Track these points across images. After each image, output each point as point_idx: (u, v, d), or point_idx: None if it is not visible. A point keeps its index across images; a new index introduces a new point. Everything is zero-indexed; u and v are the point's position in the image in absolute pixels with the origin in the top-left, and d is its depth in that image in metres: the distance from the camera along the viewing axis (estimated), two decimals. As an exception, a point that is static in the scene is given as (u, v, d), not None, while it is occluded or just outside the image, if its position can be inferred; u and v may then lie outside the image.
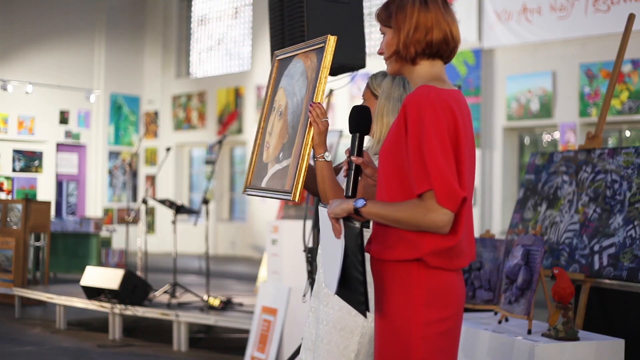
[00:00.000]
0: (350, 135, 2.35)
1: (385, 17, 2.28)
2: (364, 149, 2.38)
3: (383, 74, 2.88)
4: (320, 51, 2.59)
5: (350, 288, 2.21)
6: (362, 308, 2.18)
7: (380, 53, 2.33)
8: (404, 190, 2.15)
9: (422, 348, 2.16)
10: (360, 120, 2.33)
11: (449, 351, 2.23)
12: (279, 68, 2.90)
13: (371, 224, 2.36)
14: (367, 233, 2.34)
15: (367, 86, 2.88)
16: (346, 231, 2.20)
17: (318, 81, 2.55)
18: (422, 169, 2.07)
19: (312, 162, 2.66)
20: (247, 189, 2.86)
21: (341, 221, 2.21)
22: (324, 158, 2.57)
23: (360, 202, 2.16)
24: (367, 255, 2.27)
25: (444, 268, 2.17)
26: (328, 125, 2.55)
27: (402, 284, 2.17)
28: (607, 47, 10.97)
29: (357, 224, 2.16)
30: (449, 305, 2.20)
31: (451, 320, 2.21)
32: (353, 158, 2.30)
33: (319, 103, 2.52)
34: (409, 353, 2.16)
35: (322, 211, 2.31)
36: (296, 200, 2.55)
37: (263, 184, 2.74)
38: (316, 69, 2.59)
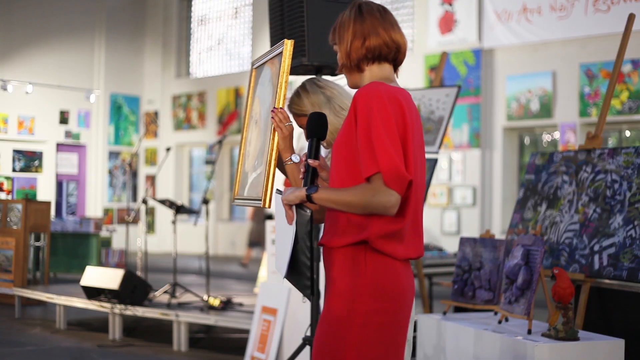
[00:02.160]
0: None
1: (332, 37, 2.47)
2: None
3: (296, 94, 3.03)
4: (280, 57, 2.61)
5: (298, 272, 2.32)
6: (308, 292, 2.28)
7: (340, 72, 2.49)
8: (356, 181, 2.24)
9: (358, 337, 2.21)
10: (316, 125, 2.40)
11: (390, 343, 2.25)
12: (256, 76, 2.93)
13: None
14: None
15: (294, 113, 3.00)
16: (297, 218, 2.30)
17: (279, 86, 2.57)
18: (370, 153, 2.17)
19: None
20: (235, 200, 2.90)
21: (294, 208, 2.31)
22: (291, 161, 2.63)
23: (312, 189, 2.26)
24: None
25: (390, 254, 2.23)
26: (292, 129, 2.61)
27: (348, 271, 2.25)
28: (607, 47, 10.97)
29: (308, 211, 2.26)
30: (394, 296, 2.24)
31: (395, 312, 2.25)
32: (310, 161, 2.37)
33: (281, 108, 2.57)
34: (346, 339, 2.21)
35: (277, 197, 2.42)
36: (267, 206, 2.62)
37: (245, 193, 2.77)
38: (277, 74, 2.62)
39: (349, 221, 2.25)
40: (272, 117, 2.55)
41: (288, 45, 2.59)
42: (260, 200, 2.61)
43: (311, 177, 2.36)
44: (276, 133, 2.55)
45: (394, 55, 2.41)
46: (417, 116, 2.36)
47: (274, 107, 2.56)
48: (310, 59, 4.41)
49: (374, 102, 2.21)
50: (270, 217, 14.92)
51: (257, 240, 14.57)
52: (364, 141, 2.19)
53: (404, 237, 2.25)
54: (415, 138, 2.27)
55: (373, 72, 2.40)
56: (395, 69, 2.46)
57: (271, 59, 2.75)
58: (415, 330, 5.57)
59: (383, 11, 2.41)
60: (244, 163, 2.90)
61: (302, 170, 2.39)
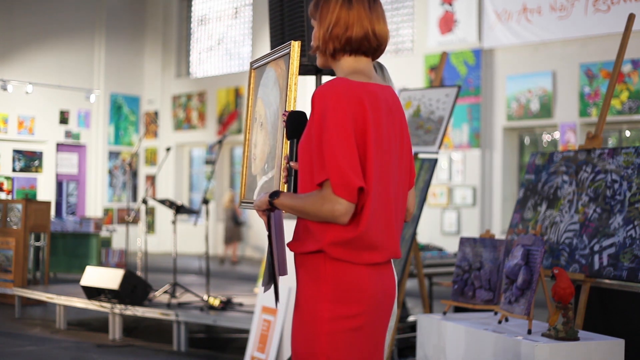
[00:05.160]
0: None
1: (313, 10, 2.33)
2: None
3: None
4: (287, 58, 2.57)
5: (274, 278, 2.31)
6: (274, 297, 2.29)
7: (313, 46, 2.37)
8: (315, 183, 2.18)
9: (326, 344, 2.15)
10: (297, 126, 2.33)
11: (361, 348, 2.20)
12: (256, 78, 2.89)
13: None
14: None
15: None
16: (271, 222, 2.30)
17: (288, 89, 2.53)
18: (320, 158, 2.10)
19: None
20: (242, 203, 2.88)
21: (268, 213, 2.29)
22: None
23: (274, 194, 2.23)
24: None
25: (349, 261, 2.16)
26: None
27: (311, 278, 2.20)
28: (607, 47, 10.97)
29: None
30: (359, 301, 2.17)
31: (363, 317, 2.18)
32: (292, 164, 2.31)
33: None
34: (314, 348, 2.17)
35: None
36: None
37: (254, 197, 2.76)
38: (285, 76, 2.58)
39: (306, 228, 2.19)
40: (284, 121, 2.47)
41: (295, 46, 2.55)
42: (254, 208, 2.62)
43: (294, 179, 2.31)
44: None
45: (375, 50, 2.29)
46: (393, 111, 2.26)
47: (285, 111, 2.50)
48: (310, 59, 4.42)
49: (329, 103, 2.12)
50: (234, 216, 15.25)
51: (229, 237, 15.16)
52: (316, 145, 2.12)
53: (365, 242, 2.16)
54: (382, 136, 2.18)
55: (347, 63, 2.28)
56: (373, 60, 2.33)
57: (275, 59, 2.72)
58: (415, 330, 5.57)
59: (372, 1, 2.28)
60: (249, 166, 2.88)
61: (284, 174, 2.34)
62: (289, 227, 2.35)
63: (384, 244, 2.21)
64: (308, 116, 2.31)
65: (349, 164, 2.08)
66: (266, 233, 2.36)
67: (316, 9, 2.31)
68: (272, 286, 2.32)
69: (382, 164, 2.18)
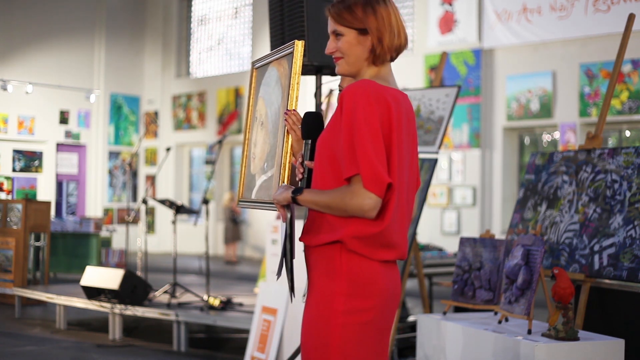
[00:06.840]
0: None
1: (350, 18, 2.28)
2: None
3: None
4: (290, 57, 2.59)
5: (288, 271, 2.38)
6: (289, 292, 2.35)
7: (332, 53, 2.37)
8: (337, 181, 2.22)
9: (340, 336, 2.20)
10: (312, 126, 2.38)
11: (371, 341, 2.24)
12: (257, 77, 2.90)
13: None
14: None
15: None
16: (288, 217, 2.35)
17: (290, 88, 2.54)
18: (351, 154, 2.15)
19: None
20: (240, 202, 2.89)
21: (287, 207, 2.35)
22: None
23: (298, 191, 2.27)
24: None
25: (365, 255, 2.20)
26: None
27: (325, 271, 2.24)
28: (607, 47, 10.97)
29: (288, 214, 2.31)
30: (371, 295, 2.22)
31: (374, 311, 2.23)
32: (307, 163, 2.36)
33: (293, 110, 2.50)
34: (328, 340, 2.21)
35: None
36: None
37: (253, 196, 2.76)
38: (288, 75, 2.59)
39: (326, 220, 2.23)
40: (285, 120, 2.47)
41: (299, 46, 2.57)
42: (274, 203, 2.62)
43: (308, 178, 2.36)
44: (289, 135, 2.50)
45: (397, 55, 2.35)
46: (410, 118, 2.31)
47: (287, 109, 2.50)
48: (310, 59, 4.42)
49: (359, 101, 2.17)
50: (233, 215, 15.39)
51: (229, 237, 15.35)
52: (346, 141, 2.16)
53: (383, 239, 2.21)
54: (402, 140, 2.23)
55: (374, 70, 2.33)
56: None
57: (278, 59, 2.72)
58: (415, 330, 5.57)
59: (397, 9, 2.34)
60: (248, 165, 2.88)
61: (301, 171, 2.38)
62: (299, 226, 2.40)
63: (398, 243, 2.27)
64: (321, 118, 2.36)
65: (380, 160, 2.14)
66: (269, 230, 2.42)
67: (354, 17, 2.28)
68: (289, 281, 2.38)
69: (401, 165, 2.24)
